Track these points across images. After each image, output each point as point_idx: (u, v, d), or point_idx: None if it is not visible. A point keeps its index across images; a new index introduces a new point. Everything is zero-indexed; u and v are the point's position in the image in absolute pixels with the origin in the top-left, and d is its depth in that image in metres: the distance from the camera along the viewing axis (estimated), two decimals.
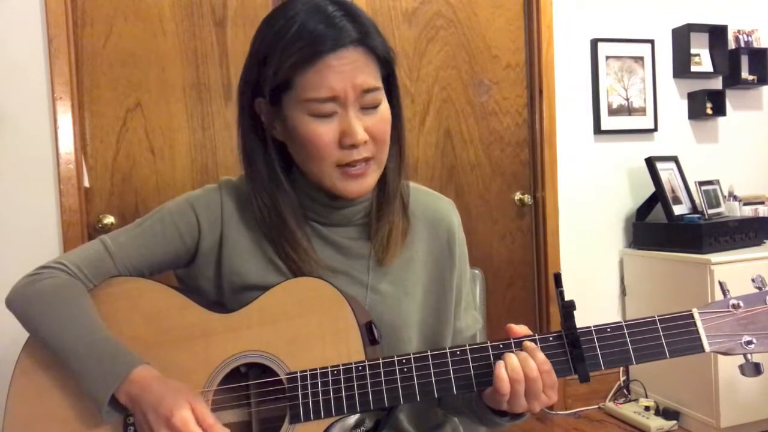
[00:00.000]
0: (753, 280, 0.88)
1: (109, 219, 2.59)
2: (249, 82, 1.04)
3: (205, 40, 2.72)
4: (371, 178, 1.04)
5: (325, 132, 0.97)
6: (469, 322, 1.19)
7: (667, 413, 3.01)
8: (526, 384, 0.89)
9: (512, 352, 0.91)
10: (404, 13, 2.99)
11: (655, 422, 2.93)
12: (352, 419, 0.99)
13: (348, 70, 0.96)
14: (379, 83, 1.01)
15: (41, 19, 2.43)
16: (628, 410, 3.09)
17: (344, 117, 0.98)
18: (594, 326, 0.91)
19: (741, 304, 0.88)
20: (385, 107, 1.03)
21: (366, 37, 0.98)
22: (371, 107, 1.00)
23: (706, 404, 2.81)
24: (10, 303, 1.06)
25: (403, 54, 2.97)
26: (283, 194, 1.06)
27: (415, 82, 3.01)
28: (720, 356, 2.85)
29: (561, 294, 0.90)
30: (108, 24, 2.58)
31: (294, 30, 0.96)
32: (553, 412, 3.19)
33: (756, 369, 0.87)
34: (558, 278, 0.92)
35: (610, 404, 3.23)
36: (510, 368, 0.89)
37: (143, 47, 2.63)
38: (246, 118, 1.06)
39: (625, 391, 3.31)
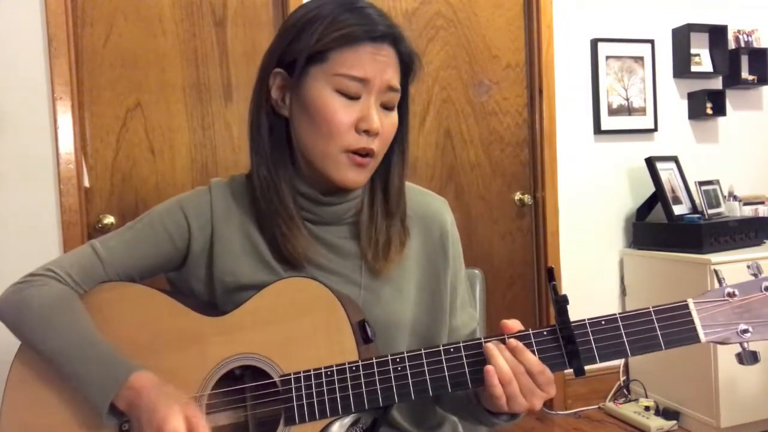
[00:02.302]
0: (748, 267, 0.87)
1: (109, 219, 2.59)
2: (275, 52, 1.05)
3: (205, 40, 2.72)
4: (368, 173, 1.05)
5: (344, 112, 0.99)
6: (465, 319, 1.19)
7: (667, 413, 3.00)
8: (518, 380, 0.89)
9: (500, 349, 0.91)
10: (404, 13, 3.00)
11: (655, 422, 2.93)
12: (349, 417, 0.99)
13: (382, 62, 1.00)
14: (399, 87, 1.04)
15: (41, 19, 2.44)
16: (628, 410, 3.08)
17: (366, 103, 1.00)
18: (588, 319, 0.90)
19: (736, 292, 0.87)
20: (395, 114, 1.06)
21: (398, 42, 1.03)
22: (387, 108, 1.03)
23: (706, 404, 2.81)
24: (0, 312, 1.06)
25: None
26: (282, 167, 1.06)
27: (415, 82, 3.00)
28: (720, 355, 2.85)
29: (554, 288, 0.90)
30: (108, 24, 2.58)
31: (347, 8, 1.00)
32: (553, 412, 3.18)
33: (754, 357, 0.86)
34: (551, 273, 0.92)
35: (610, 404, 3.22)
36: (499, 370, 0.89)
37: (143, 47, 2.63)
38: (262, 88, 1.06)
39: (625, 391, 3.31)
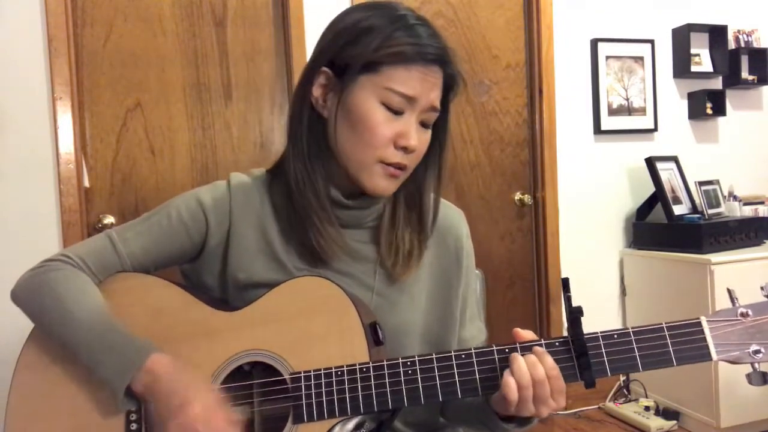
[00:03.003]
0: (762, 288, 0.87)
1: (109, 219, 2.59)
2: (326, 52, 1.04)
3: (205, 40, 2.71)
4: (398, 184, 1.06)
5: (386, 125, 1.00)
6: (474, 332, 1.20)
7: (667, 413, 3.01)
8: (533, 388, 0.88)
9: (521, 354, 0.91)
10: None
11: (655, 422, 2.94)
12: (354, 421, 0.99)
13: (430, 83, 1.01)
14: (440, 107, 1.05)
15: (41, 19, 2.43)
16: (628, 410, 3.09)
17: (408, 120, 1.01)
18: (601, 332, 0.90)
19: (750, 312, 0.87)
20: (430, 131, 1.07)
21: (447, 66, 1.03)
22: (425, 125, 1.04)
23: (706, 404, 2.81)
24: (15, 297, 1.06)
25: None
26: (318, 164, 1.06)
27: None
28: None
29: (568, 299, 0.90)
30: (108, 24, 2.57)
31: (403, 25, 1.00)
32: (554, 412, 3.18)
33: (763, 378, 0.86)
34: (566, 284, 0.92)
35: (610, 404, 3.23)
36: (517, 374, 0.88)
37: (143, 47, 2.62)
38: (306, 84, 1.05)
39: (625, 391, 3.31)
